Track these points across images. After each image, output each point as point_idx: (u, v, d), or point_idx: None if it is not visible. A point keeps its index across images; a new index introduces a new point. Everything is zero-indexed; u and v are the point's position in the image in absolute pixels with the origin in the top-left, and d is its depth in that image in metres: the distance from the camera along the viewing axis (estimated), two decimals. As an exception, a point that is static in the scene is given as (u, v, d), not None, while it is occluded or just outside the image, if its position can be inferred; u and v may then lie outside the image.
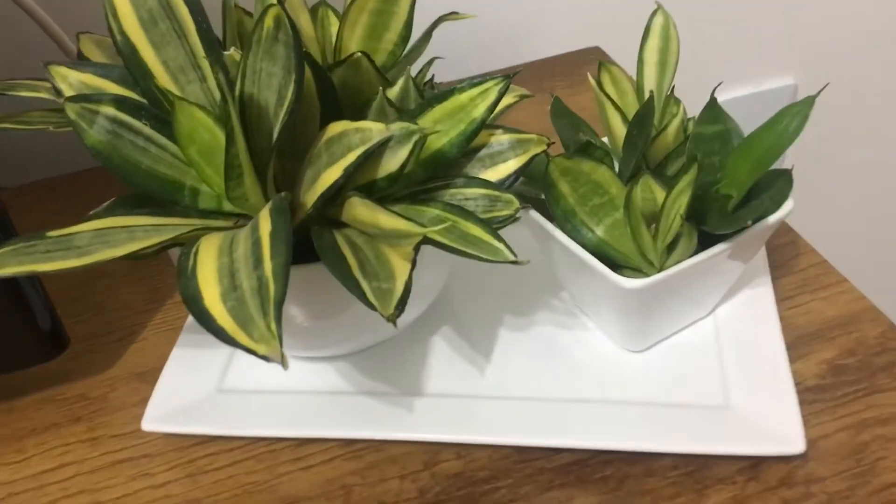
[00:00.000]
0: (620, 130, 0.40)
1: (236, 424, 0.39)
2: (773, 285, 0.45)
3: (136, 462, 0.40)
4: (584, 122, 0.42)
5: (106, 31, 0.39)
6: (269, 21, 0.32)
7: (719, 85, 0.45)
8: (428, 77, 0.42)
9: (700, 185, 0.38)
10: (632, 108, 0.40)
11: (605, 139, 0.42)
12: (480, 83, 0.35)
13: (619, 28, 0.73)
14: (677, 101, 0.41)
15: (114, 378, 0.44)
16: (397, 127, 0.33)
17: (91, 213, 0.35)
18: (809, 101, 0.35)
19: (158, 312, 0.48)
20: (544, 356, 0.41)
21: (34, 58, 0.60)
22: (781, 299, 0.44)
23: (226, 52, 0.35)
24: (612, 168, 0.37)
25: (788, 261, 0.47)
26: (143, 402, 0.42)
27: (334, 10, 0.45)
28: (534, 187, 0.39)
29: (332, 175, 0.33)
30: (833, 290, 0.45)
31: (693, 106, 0.84)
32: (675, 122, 0.39)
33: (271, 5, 0.32)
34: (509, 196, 0.35)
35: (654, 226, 0.37)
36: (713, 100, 0.38)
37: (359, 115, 0.37)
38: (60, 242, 0.32)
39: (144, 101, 0.36)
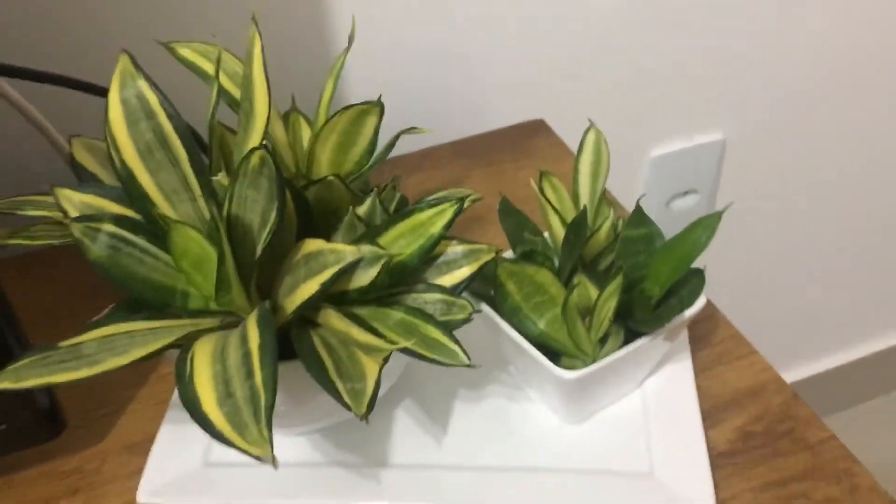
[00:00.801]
0: (559, 231, 0.46)
1: (223, 497, 0.44)
2: (693, 358, 0.51)
3: (131, 532, 0.44)
4: (529, 220, 0.48)
5: (96, 134, 0.44)
6: (255, 160, 0.38)
7: (642, 196, 0.51)
8: (392, 184, 0.47)
9: (628, 281, 0.44)
10: (569, 211, 0.46)
11: (546, 234, 0.48)
12: (437, 205, 0.41)
13: (561, 100, 0.79)
14: (609, 205, 0.47)
15: (106, 451, 0.49)
16: (367, 250, 0.38)
17: (94, 319, 0.40)
18: (717, 217, 0.41)
19: (145, 387, 0.52)
20: (495, 428, 0.47)
21: (31, 159, 0.64)
22: (700, 370, 0.51)
23: (214, 178, 0.40)
24: (552, 269, 0.43)
25: (707, 334, 0.53)
26: (136, 473, 0.47)
27: (305, 117, 0.50)
28: (486, 286, 0.44)
29: (310, 288, 0.39)
30: (744, 362, 0.51)
31: (628, 162, 0.91)
32: (607, 225, 0.46)
33: (256, 148, 0.37)
34: (463, 301, 0.40)
35: (588, 318, 0.43)
36: (638, 207, 0.44)
37: (332, 226, 0.43)
38: (71, 352, 0.37)
39: (140, 217, 0.41)
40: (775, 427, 0.47)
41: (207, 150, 0.44)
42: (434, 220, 0.41)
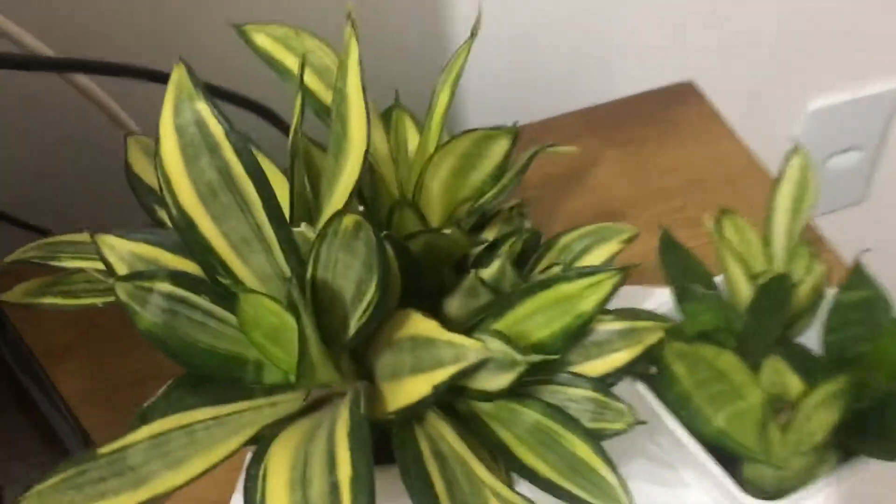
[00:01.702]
0: (742, 288, 0.34)
1: None
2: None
3: None
4: (696, 263, 0.37)
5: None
6: (348, 223, 0.28)
7: (865, 251, 0.38)
8: (518, 210, 0.36)
9: (839, 361, 0.33)
10: (756, 260, 0.35)
11: (719, 280, 0.37)
12: (591, 274, 0.30)
13: (714, 57, 0.66)
14: (805, 247, 0.36)
15: (171, 511, 0.41)
16: (499, 350, 0.28)
17: (146, 404, 0.32)
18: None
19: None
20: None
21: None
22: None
23: (296, 230, 0.30)
24: (735, 350, 0.32)
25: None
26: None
27: (411, 116, 0.39)
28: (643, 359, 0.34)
29: (418, 389, 0.29)
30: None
31: (782, 117, 0.77)
32: (812, 282, 0.34)
33: (346, 211, 0.27)
34: (620, 406, 0.30)
35: (782, 414, 0.33)
36: (858, 264, 0.33)
37: (444, 282, 0.33)
38: (114, 464, 0.29)
39: (202, 273, 0.31)
40: None
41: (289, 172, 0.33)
42: (585, 294, 0.30)
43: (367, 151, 0.30)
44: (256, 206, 0.30)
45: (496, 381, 0.29)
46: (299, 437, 0.30)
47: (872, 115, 0.82)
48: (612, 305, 0.31)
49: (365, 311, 0.29)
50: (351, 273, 0.29)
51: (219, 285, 0.31)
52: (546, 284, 0.30)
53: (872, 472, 0.32)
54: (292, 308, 0.28)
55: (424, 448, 0.30)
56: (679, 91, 0.61)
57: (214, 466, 0.29)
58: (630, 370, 0.31)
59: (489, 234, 0.36)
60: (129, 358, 0.48)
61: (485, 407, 0.31)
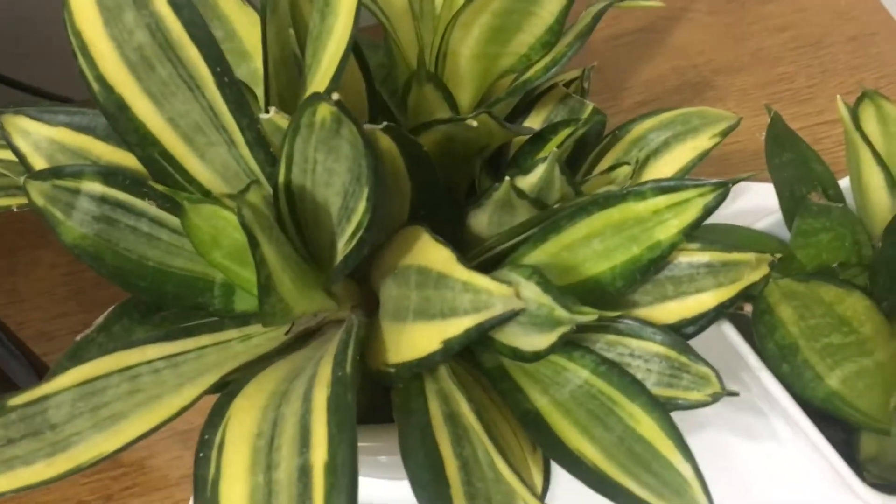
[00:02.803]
0: (881, 196, 0.25)
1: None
2: None
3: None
4: (817, 160, 0.27)
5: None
6: (324, 114, 0.19)
7: None
8: (581, 83, 0.27)
9: None
10: (901, 164, 0.25)
11: (846, 186, 0.28)
12: (674, 189, 0.21)
13: None
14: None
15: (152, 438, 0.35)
16: (535, 301, 0.20)
17: (78, 337, 0.25)
18: None
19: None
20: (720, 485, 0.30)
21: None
22: None
23: (264, 116, 0.22)
24: (867, 291, 0.24)
25: None
26: (187, 478, 0.34)
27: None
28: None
29: (425, 342, 0.21)
30: None
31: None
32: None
33: (319, 97, 0.18)
34: (705, 370, 0.22)
35: (920, 377, 0.24)
36: None
37: (472, 190, 0.24)
38: (28, 420, 0.22)
39: (145, 170, 0.24)
40: None
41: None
42: (664, 216, 0.21)
43: (357, 13, 0.21)
44: (207, 81, 0.22)
45: (531, 340, 0.21)
46: (273, 387, 0.23)
47: None
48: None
49: (354, 234, 0.21)
50: (335, 181, 0.21)
51: (169, 181, 0.23)
52: (609, 201, 0.21)
53: None
54: (248, 234, 0.20)
55: (435, 412, 0.23)
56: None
57: (162, 426, 0.22)
58: (718, 317, 0.23)
59: (535, 121, 0.27)
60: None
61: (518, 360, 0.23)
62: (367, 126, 0.21)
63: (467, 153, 0.25)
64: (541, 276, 0.20)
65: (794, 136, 0.28)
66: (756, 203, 0.29)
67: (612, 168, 0.26)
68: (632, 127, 0.27)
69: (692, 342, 0.23)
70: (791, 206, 0.27)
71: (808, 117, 0.35)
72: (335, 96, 0.19)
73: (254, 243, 0.20)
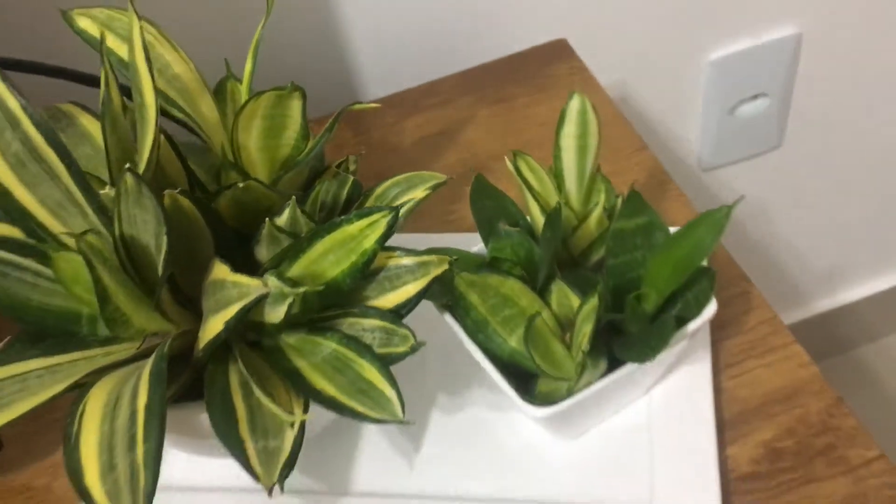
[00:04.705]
0: (539, 219, 0.37)
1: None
2: (718, 348, 0.43)
3: (76, 564, 0.41)
4: (509, 203, 0.40)
5: None
6: (128, 181, 0.31)
7: (634, 182, 0.40)
8: (346, 166, 0.39)
9: (621, 283, 0.36)
10: (551, 196, 0.38)
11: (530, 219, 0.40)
12: (368, 214, 0.33)
13: (588, 15, 0.68)
14: (604, 181, 0.39)
15: (57, 465, 0.45)
16: (274, 284, 0.31)
17: (-15, 358, 0.35)
18: (725, 213, 0.32)
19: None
20: (478, 446, 0.41)
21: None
22: (727, 365, 0.43)
23: (103, 192, 0.33)
24: (521, 278, 0.36)
25: (739, 316, 0.45)
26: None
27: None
28: (447, 291, 0.37)
29: (214, 327, 0.32)
30: (780, 355, 0.43)
31: (683, 67, 0.80)
32: (597, 212, 0.37)
33: (126, 170, 0.30)
34: (405, 331, 0.33)
35: (569, 334, 0.36)
36: (634, 193, 0.36)
37: (254, 233, 0.36)
38: (-57, 408, 0.32)
39: (25, 236, 0.35)
40: (811, 443, 0.39)
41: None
42: (366, 233, 0.33)
43: (157, 116, 0.33)
44: (63, 173, 0.33)
45: (276, 312, 0.32)
46: (119, 379, 0.34)
47: (774, 61, 0.84)
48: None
49: (164, 261, 0.32)
50: (148, 227, 0.33)
51: (43, 247, 0.34)
52: (331, 227, 0.33)
53: (623, 375, 0.35)
54: (87, 261, 0.31)
55: (233, 381, 0.34)
56: (552, 48, 0.63)
57: (40, 407, 0.32)
58: (420, 300, 0.35)
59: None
60: None
61: (289, 340, 0.35)
62: (168, 191, 0.33)
63: (258, 209, 0.37)
64: (279, 273, 0.31)
65: (493, 189, 0.40)
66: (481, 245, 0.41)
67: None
68: (376, 188, 0.39)
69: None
70: (487, 233, 0.39)
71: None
72: (133, 169, 0.30)
73: (91, 267, 0.31)
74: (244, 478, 0.41)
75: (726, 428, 0.40)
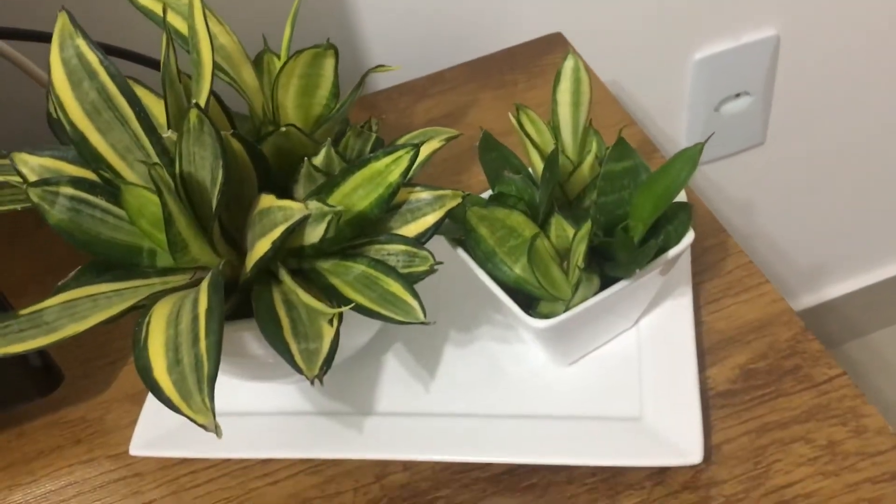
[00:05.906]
0: (540, 166, 0.43)
1: (209, 448, 0.44)
2: (698, 290, 0.48)
3: (129, 481, 0.46)
4: (512, 156, 0.45)
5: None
6: (192, 118, 0.36)
7: (624, 127, 0.47)
8: (369, 126, 0.45)
9: (612, 218, 0.42)
10: (549, 146, 0.43)
11: (531, 170, 0.45)
12: (393, 152, 0.38)
13: (584, 9, 0.74)
14: (595, 133, 0.44)
15: (109, 401, 0.50)
16: (315, 207, 0.37)
17: (60, 283, 0.40)
18: (697, 150, 0.38)
19: (145, 336, 0.53)
20: (485, 372, 0.46)
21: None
22: (706, 302, 0.48)
23: (165, 136, 0.39)
24: (524, 211, 0.41)
25: (717, 262, 0.50)
26: (135, 422, 0.48)
27: (278, 56, 0.48)
28: (462, 229, 0.42)
29: (262, 247, 0.37)
30: (754, 293, 0.48)
31: (670, 66, 0.86)
32: (589, 159, 0.43)
33: (191, 106, 0.36)
34: (425, 253, 0.39)
35: (566, 261, 0.41)
36: (621, 139, 0.41)
37: (292, 175, 0.41)
38: (31, 320, 0.37)
39: (98, 179, 0.40)
40: (780, 364, 0.45)
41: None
42: (391, 168, 0.39)
43: (213, 71, 0.38)
44: (132, 119, 0.39)
45: (316, 232, 0.37)
46: (179, 297, 0.39)
47: (755, 60, 0.90)
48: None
49: (219, 193, 0.38)
50: (206, 163, 0.38)
51: (112, 186, 0.40)
52: (362, 164, 0.39)
53: (615, 292, 0.41)
54: (156, 187, 0.36)
55: (277, 297, 0.39)
56: (549, 41, 0.69)
57: (111, 319, 0.38)
58: (437, 229, 0.40)
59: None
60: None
61: (325, 265, 0.40)
62: (223, 132, 0.38)
63: (292, 157, 0.42)
64: (319, 198, 0.37)
65: (499, 144, 0.46)
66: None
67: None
68: (399, 139, 0.45)
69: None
70: (494, 181, 0.44)
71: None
72: (198, 104, 0.36)
73: (159, 193, 0.36)
74: (281, 401, 0.47)
75: (706, 354, 0.46)
